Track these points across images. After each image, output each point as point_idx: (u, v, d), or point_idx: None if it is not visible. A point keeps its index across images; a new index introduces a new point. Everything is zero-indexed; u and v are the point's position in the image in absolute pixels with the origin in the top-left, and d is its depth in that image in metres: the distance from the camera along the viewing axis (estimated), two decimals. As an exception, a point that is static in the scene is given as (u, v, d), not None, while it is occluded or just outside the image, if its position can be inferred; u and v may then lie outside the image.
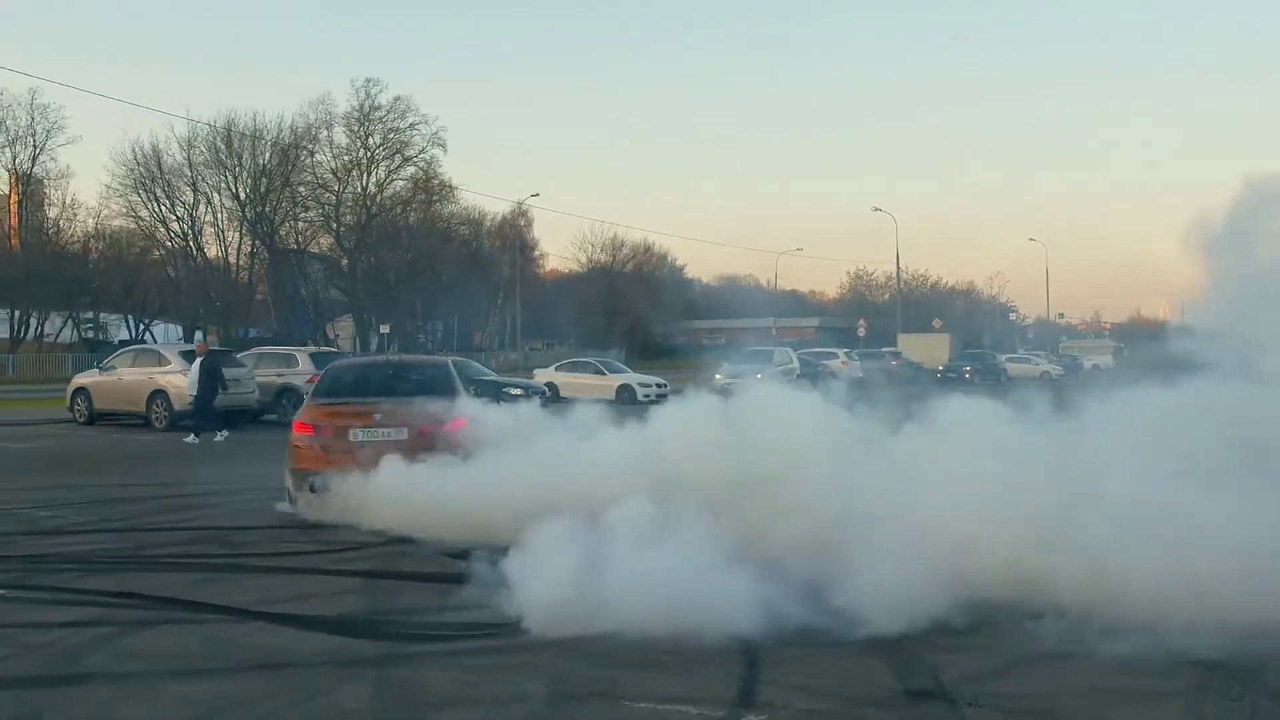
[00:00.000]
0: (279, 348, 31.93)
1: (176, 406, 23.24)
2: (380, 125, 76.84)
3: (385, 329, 63.86)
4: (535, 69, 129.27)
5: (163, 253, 71.81)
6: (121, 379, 25.35)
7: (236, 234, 73.09)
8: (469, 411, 11.66)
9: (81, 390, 26.41)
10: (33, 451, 19.95)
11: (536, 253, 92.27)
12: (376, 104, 76.18)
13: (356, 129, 76.39)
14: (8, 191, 64.55)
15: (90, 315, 67.48)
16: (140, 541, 10.26)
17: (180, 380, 23.44)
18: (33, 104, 63.44)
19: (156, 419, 24.09)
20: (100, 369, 26.66)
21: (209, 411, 22.00)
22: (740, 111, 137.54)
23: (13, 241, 63.84)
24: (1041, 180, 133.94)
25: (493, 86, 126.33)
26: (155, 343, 56.73)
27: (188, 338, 69.07)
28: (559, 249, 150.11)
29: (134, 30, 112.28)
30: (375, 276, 75.18)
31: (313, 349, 31.87)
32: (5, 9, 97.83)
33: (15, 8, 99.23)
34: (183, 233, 72.11)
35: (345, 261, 75.65)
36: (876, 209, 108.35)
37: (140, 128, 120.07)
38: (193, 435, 21.34)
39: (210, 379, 21.87)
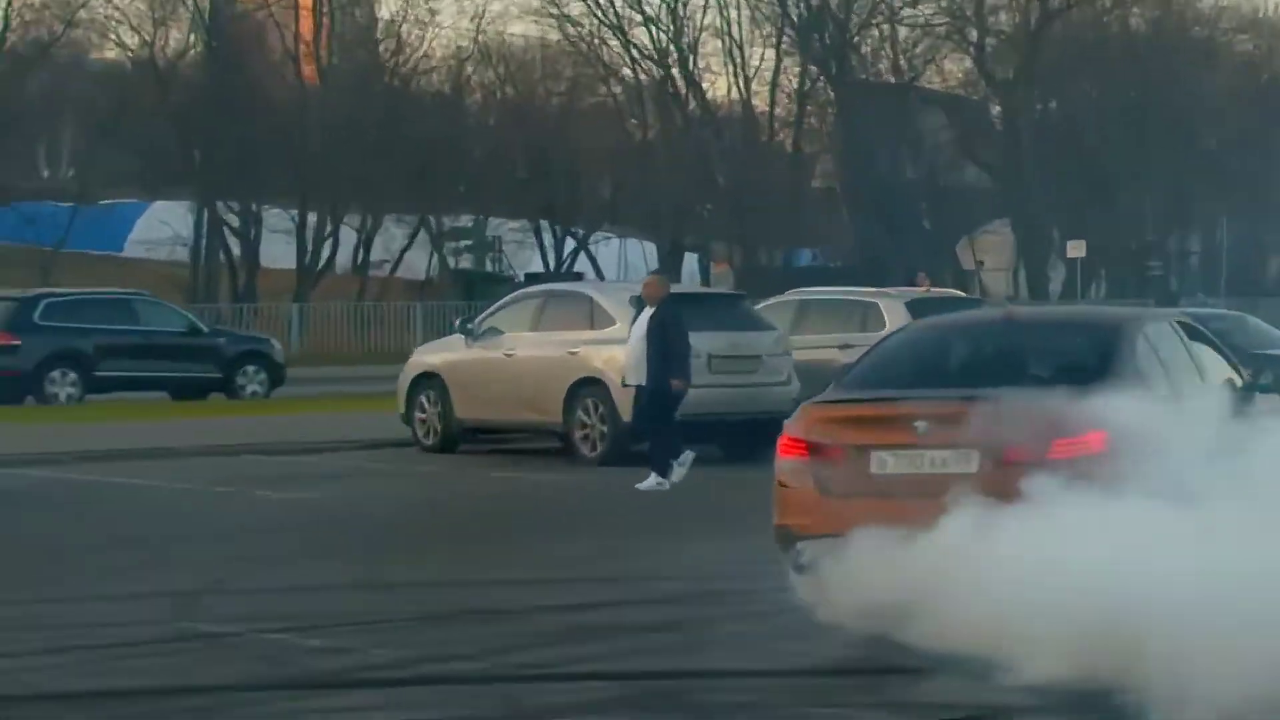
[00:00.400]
0: (845, 291, 23.48)
1: (624, 415, 16.33)
2: None
3: (1079, 250, 41.22)
4: None
5: (614, 96, 47.78)
6: (513, 356, 18.12)
7: (770, 53, 47.48)
8: (1121, 419, 7.21)
9: (430, 380, 18.81)
10: (314, 510, 14.23)
11: None
12: None
13: None
14: None
15: (469, 223, 44.82)
16: (514, 704, 6.52)
17: (616, 357, 17.05)
18: None
19: (586, 441, 16.95)
20: (470, 336, 18.93)
21: (665, 420, 15.56)
22: None
23: (304, 72, 42.10)
24: None
25: None
26: (592, 281, 39.86)
27: (671, 264, 42.94)
28: None
29: None
30: (1061, 141, 50.00)
31: (916, 292, 22.56)
32: None
33: None
34: (659, 50, 46.12)
35: (998, 111, 52.03)
36: None
37: None
38: (655, 476, 14.74)
39: (664, 351, 15.35)
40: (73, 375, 22.59)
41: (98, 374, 22.83)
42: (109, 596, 8.58)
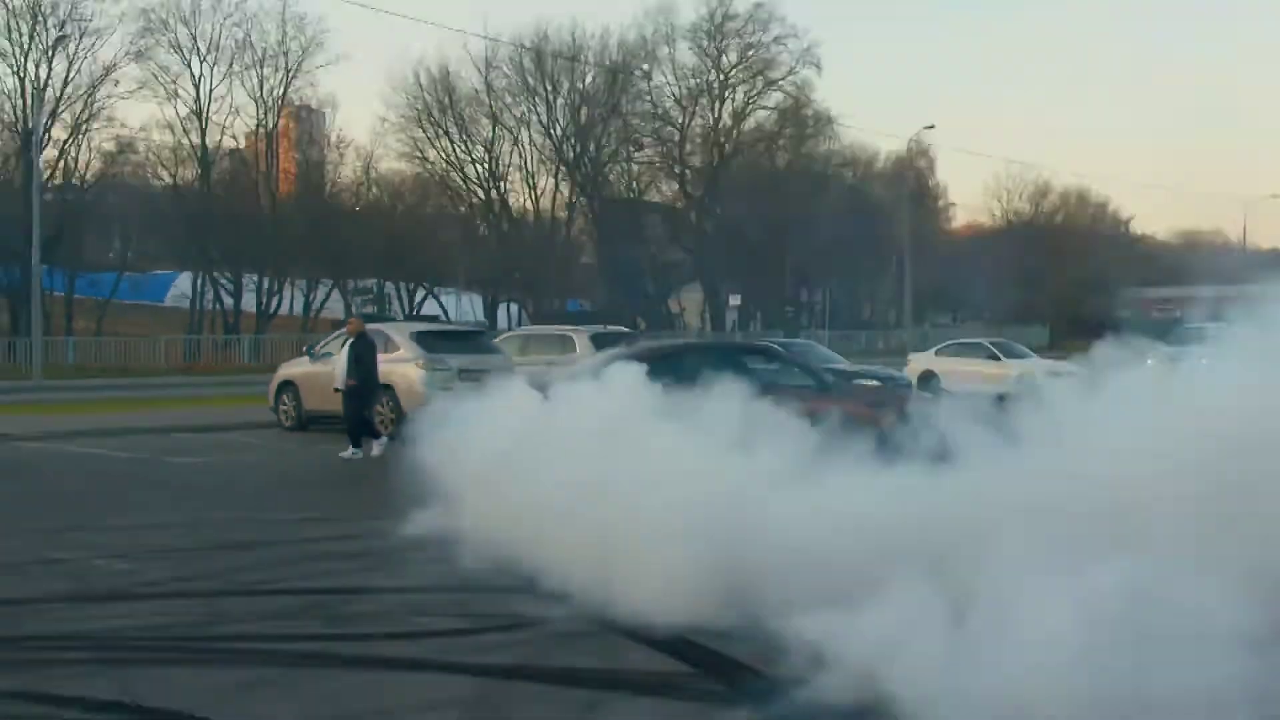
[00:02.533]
0: (552, 328, 28.33)
1: (407, 407, 18.31)
2: (737, 40, 64.99)
3: (736, 301, 58.51)
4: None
5: (456, 204, 61.43)
6: (337, 370, 19.63)
7: (551, 179, 61.56)
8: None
9: (288, 385, 22.58)
10: (196, 471, 16.13)
11: (941, 203, 78.12)
12: (732, 13, 63.90)
13: (706, 45, 64.58)
14: (255, 127, 53.75)
15: (369, 285, 57.40)
16: (217, 612, 7.80)
17: (414, 372, 20.20)
18: (284, 14, 52.86)
19: (382, 423, 19.13)
20: (312, 356, 22.68)
21: (359, 411, 17.87)
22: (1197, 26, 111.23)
23: (261, 195, 53.69)
24: None
25: None
26: (390, 322, 47.38)
27: (488, 313, 57.53)
28: (966, 198, 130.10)
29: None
30: (732, 234, 62.81)
31: (598, 329, 26.32)
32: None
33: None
34: (481, 179, 60.34)
35: (694, 215, 65.18)
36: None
37: (425, 45, 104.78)
38: (352, 448, 17.32)
39: (361, 368, 17.72)
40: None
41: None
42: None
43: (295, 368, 22.66)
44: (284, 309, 53.62)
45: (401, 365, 19.97)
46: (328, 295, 54.67)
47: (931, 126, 71.48)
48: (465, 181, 60.47)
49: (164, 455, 17.47)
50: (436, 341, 20.55)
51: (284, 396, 22.06)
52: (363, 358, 17.37)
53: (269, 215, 52.91)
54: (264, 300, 52.12)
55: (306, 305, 53.90)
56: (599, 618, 6.71)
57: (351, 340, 17.61)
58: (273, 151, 54.17)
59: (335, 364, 18.23)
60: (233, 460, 17.21)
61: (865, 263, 68.07)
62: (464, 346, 20.83)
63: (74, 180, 49.52)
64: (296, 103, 55.22)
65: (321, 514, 11.94)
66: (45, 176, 44.21)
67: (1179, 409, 6.36)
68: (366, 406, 17.87)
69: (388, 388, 19.47)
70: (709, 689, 5.76)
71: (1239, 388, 6.23)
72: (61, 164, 48.42)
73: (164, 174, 51.96)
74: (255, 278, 51.97)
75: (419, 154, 58.21)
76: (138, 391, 29.97)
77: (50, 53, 46.85)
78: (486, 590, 7.71)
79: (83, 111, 47.98)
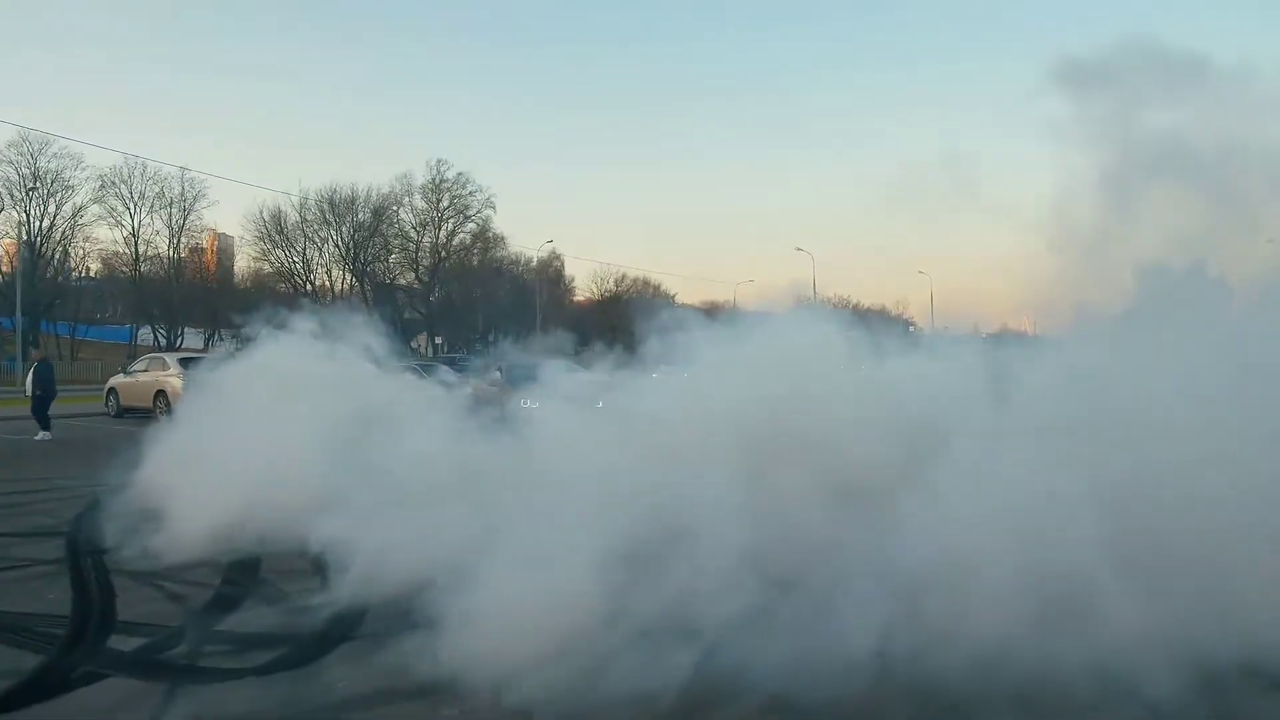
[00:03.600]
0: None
1: (174, 405, 21.35)
2: (448, 192, 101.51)
3: (438, 340, 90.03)
4: (558, 155, 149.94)
5: (284, 285, 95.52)
6: (138, 380, 28.36)
7: (342, 273, 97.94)
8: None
9: (112, 390, 29.94)
10: (30, 444, 20.71)
11: (565, 285, 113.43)
12: (445, 177, 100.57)
13: (430, 195, 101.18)
14: (169, 241, 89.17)
15: (235, 330, 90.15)
16: None
17: (177, 382, 24.58)
18: (183, 178, 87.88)
19: (160, 412, 24.92)
20: (125, 372, 30.10)
21: (43, 408, 23.10)
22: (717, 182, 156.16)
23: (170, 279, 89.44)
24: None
25: (529, 159, 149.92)
26: (167, 351, 64.59)
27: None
28: (581, 281, 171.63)
29: (254, 116, 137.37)
30: (445, 303, 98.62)
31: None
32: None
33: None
34: (300, 271, 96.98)
35: (433, 294, 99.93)
36: (799, 249, 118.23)
37: (264, 196, 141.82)
38: (44, 432, 22.36)
39: (40, 381, 23.19)
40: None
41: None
42: None
43: (117, 379, 28.83)
44: (186, 343, 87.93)
45: (170, 379, 25.58)
46: (210, 336, 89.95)
47: (550, 241, 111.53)
48: (292, 273, 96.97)
49: (31, 433, 21.72)
50: (193, 363, 23.74)
51: (111, 396, 28.58)
52: (42, 375, 22.11)
53: (175, 289, 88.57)
54: (176, 339, 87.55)
55: (207, 341, 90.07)
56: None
57: (36, 364, 22.73)
58: (178, 256, 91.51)
59: (28, 379, 22.52)
60: (73, 436, 21.39)
61: (521, 319, 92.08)
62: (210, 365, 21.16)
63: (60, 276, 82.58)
64: (197, 230, 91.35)
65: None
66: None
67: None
68: (45, 406, 21.97)
69: (163, 393, 25.03)
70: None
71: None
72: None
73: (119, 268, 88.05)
74: (164, 327, 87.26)
75: (265, 259, 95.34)
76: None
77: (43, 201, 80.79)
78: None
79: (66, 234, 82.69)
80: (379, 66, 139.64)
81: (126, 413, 28.26)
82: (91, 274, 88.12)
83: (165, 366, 27.42)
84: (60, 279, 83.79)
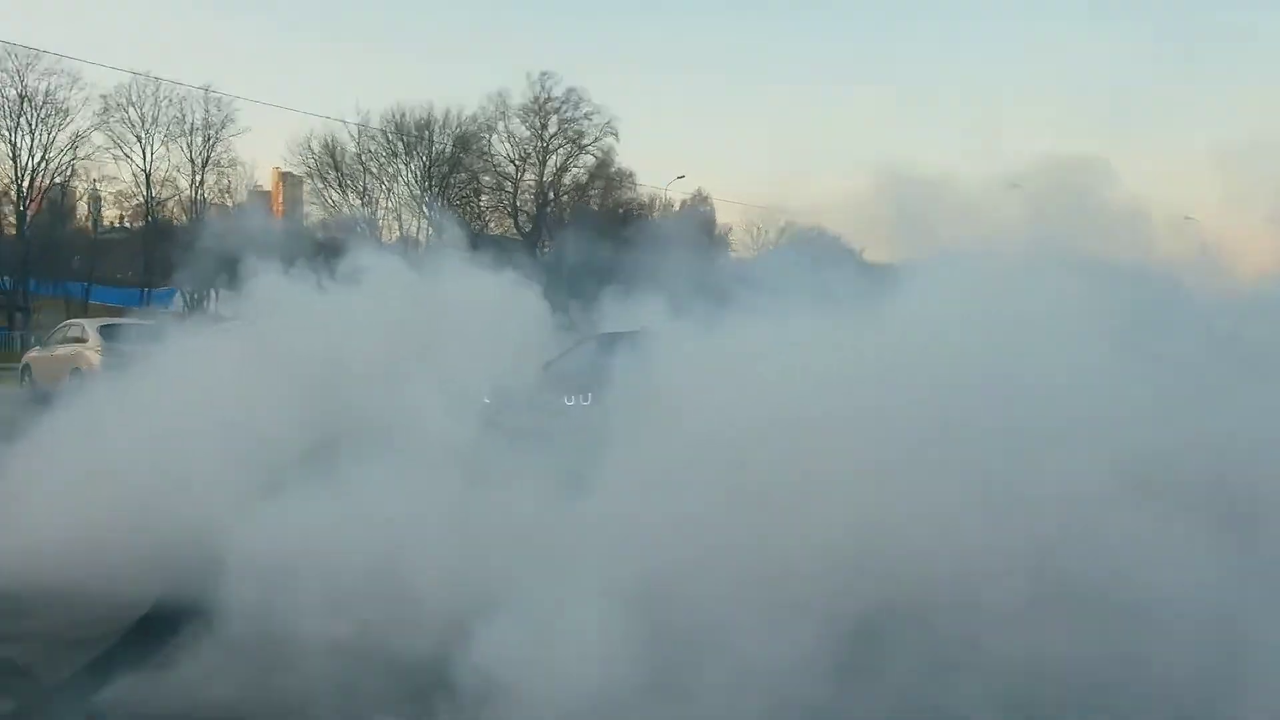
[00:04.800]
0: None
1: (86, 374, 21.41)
2: (555, 115, 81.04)
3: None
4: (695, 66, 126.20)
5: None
6: (54, 355, 26.36)
7: (415, 218, 79.12)
8: None
9: (27, 366, 28.34)
10: None
11: (720, 234, 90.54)
12: (551, 95, 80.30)
13: (532, 119, 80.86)
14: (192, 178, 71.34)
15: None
16: None
17: (95, 356, 23.32)
18: (206, 97, 68.56)
19: None
20: (42, 345, 28.33)
21: None
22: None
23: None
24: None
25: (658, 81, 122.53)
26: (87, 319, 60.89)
27: None
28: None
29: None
30: (552, 262, 77.24)
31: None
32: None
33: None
34: (364, 215, 76.99)
35: (542, 247, 78.66)
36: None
37: (314, 121, 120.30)
38: None
39: None
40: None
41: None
42: None
43: (31, 353, 28.90)
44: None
45: (86, 351, 24.51)
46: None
47: (682, 176, 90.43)
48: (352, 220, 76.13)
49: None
50: (115, 331, 23.68)
51: (25, 371, 28.26)
52: None
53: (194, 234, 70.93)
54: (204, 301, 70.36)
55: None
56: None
57: None
58: (200, 196, 71.81)
59: None
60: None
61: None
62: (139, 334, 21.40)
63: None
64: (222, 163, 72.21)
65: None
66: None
67: None
68: None
69: (78, 369, 23.66)
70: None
71: None
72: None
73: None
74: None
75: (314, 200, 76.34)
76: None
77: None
78: None
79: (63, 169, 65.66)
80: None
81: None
82: (106, 223, 72.55)
83: (83, 336, 25.06)
84: (60, 228, 68.03)
